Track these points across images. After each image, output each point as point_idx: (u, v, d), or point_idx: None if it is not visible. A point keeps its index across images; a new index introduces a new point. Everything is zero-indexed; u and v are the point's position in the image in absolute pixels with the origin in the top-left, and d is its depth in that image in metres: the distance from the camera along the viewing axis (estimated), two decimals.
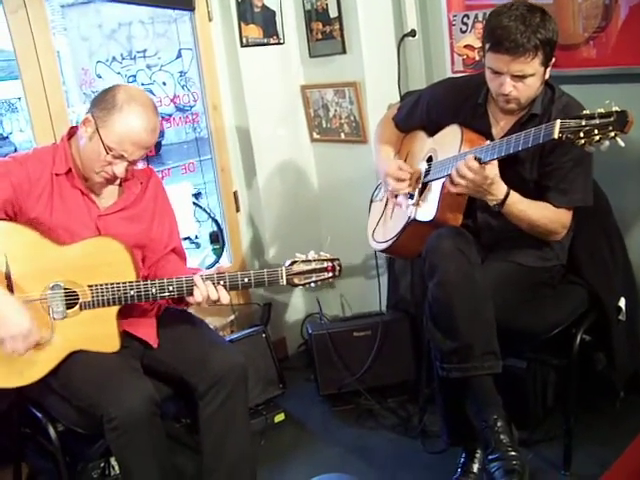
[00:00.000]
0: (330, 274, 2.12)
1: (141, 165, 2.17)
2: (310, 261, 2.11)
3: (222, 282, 2.08)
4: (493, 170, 2.09)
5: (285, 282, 2.09)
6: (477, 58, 2.87)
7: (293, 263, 2.10)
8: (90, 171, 2.10)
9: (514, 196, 2.14)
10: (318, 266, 2.11)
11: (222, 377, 2.11)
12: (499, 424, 2.07)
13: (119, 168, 2.06)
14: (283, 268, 2.09)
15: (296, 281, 2.10)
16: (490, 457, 2.06)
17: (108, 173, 2.08)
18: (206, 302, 2.09)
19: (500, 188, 2.13)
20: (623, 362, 2.48)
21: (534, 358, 2.57)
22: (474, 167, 2.08)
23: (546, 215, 2.19)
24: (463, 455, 2.40)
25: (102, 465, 2.61)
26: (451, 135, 2.35)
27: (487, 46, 2.13)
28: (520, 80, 2.11)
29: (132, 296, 2.06)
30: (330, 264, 2.11)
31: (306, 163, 3.50)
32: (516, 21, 2.03)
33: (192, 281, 2.06)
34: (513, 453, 2.04)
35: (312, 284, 2.12)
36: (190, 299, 2.09)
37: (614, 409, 2.61)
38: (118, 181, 2.17)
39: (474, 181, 2.09)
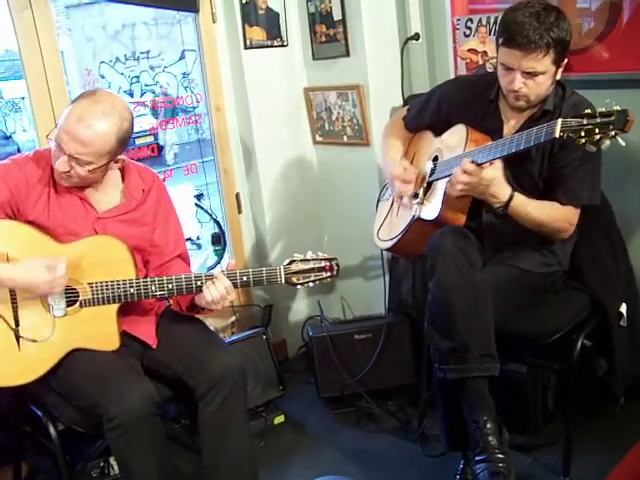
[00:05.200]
0: (328, 274, 2.13)
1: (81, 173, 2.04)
2: (308, 260, 2.12)
3: None
4: (491, 172, 2.10)
5: (283, 281, 2.10)
6: (480, 62, 2.88)
7: (291, 262, 2.11)
8: (54, 169, 2.07)
9: (518, 198, 2.14)
10: (316, 265, 2.11)
11: (221, 379, 2.11)
12: (488, 425, 2.06)
13: (60, 162, 2.00)
14: (281, 267, 2.10)
15: (294, 280, 2.11)
16: (477, 458, 2.06)
17: (57, 170, 2.03)
18: (220, 300, 2.08)
19: (503, 190, 2.13)
20: (624, 368, 2.47)
21: (534, 363, 2.56)
22: (470, 169, 2.08)
23: (552, 215, 2.19)
24: (462, 461, 2.39)
25: (101, 464, 2.62)
26: (457, 135, 2.35)
27: (500, 41, 2.15)
28: (530, 77, 2.11)
29: (132, 294, 2.06)
30: (328, 264, 2.12)
31: (308, 165, 3.50)
32: (530, 17, 2.05)
33: (191, 279, 2.07)
34: (500, 455, 2.03)
35: (310, 284, 2.12)
36: (206, 296, 2.08)
37: (614, 415, 2.60)
38: (89, 185, 2.12)
39: (470, 183, 2.10)
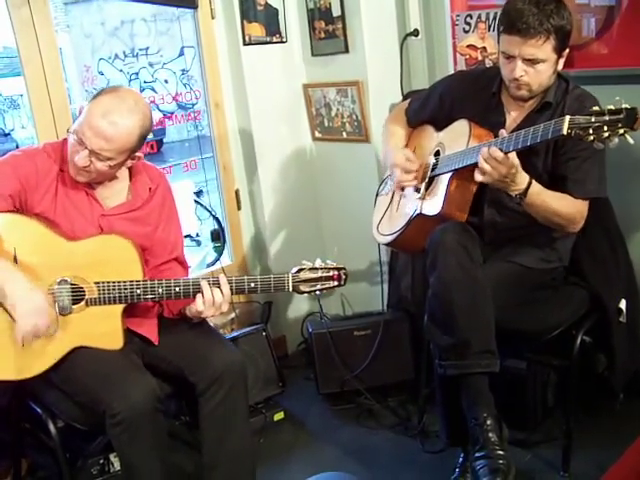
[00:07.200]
0: (336, 282, 2.12)
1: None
2: (317, 269, 2.11)
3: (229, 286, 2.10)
4: (515, 159, 2.07)
5: (291, 289, 2.10)
6: (479, 58, 2.87)
7: (300, 270, 2.10)
8: (70, 163, 2.07)
9: (536, 186, 2.12)
10: (324, 274, 2.11)
11: (221, 375, 2.11)
12: (488, 422, 2.07)
13: (80, 156, 2.00)
14: (290, 275, 2.09)
15: (302, 288, 2.10)
16: (477, 455, 2.06)
17: (75, 164, 2.03)
18: (212, 306, 2.09)
19: (523, 177, 2.10)
20: (623, 364, 2.47)
21: (534, 359, 2.56)
22: (500, 157, 2.04)
23: (565, 205, 2.18)
24: (461, 455, 2.40)
25: (101, 461, 2.62)
26: (459, 130, 2.34)
27: (501, 29, 2.15)
28: (531, 65, 2.11)
29: (138, 295, 2.06)
30: (336, 273, 2.12)
31: (308, 162, 3.50)
32: (530, 5, 2.07)
33: (199, 283, 2.07)
34: (500, 452, 2.03)
35: (317, 292, 2.12)
36: (193, 307, 2.11)
37: (614, 411, 2.60)
38: (101, 181, 2.13)
39: (499, 171, 2.05)
